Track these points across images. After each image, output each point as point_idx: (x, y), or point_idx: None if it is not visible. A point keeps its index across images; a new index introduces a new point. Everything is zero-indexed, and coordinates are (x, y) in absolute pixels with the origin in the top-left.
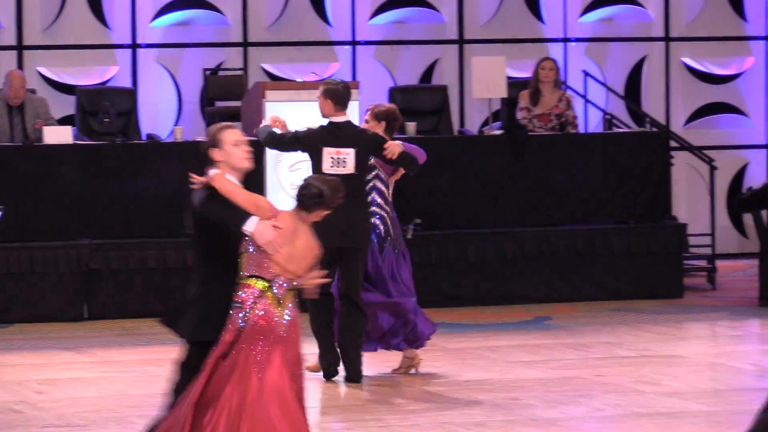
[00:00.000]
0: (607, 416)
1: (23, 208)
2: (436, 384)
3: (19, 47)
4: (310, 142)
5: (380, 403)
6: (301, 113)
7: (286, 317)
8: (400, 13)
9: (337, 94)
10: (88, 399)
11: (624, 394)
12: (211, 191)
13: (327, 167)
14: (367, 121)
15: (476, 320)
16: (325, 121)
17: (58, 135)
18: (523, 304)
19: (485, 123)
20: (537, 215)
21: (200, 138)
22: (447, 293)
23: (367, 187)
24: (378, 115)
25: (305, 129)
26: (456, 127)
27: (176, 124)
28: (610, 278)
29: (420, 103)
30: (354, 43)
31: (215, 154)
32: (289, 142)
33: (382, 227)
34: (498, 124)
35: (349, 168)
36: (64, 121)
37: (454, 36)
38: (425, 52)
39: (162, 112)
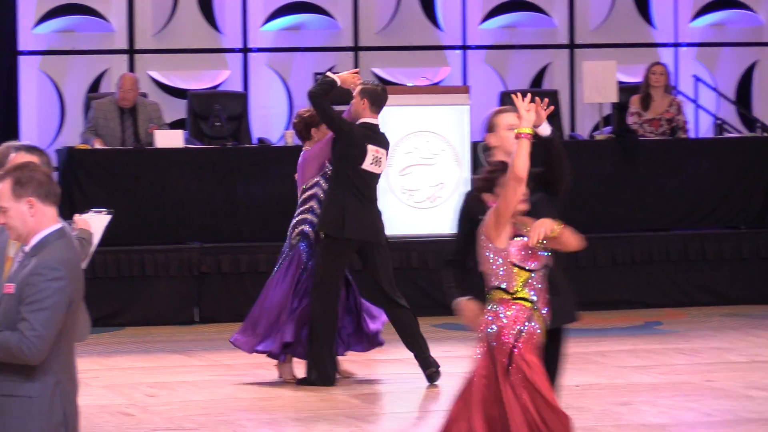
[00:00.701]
0: (717, 422)
1: (134, 211)
2: None
3: (131, 51)
4: (358, 136)
5: None
6: (411, 117)
7: (494, 322)
8: (511, 18)
9: (374, 95)
10: (199, 402)
11: (734, 399)
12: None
13: (368, 164)
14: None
15: (586, 325)
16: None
17: (169, 139)
18: (633, 308)
19: (596, 128)
20: (647, 220)
21: None
22: None
23: (310, 193)
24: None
25: (349, 124)
26: (567, 131)
27: (287, 128)
28: (720, 283)
29: None
30: (465, 47)
31: (490, 138)
32: (338, 121)
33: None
34: (608, 128)
35: (382, 168)
36: (175, 125)
37: (565, 41)
38: (536, 57)
39: (273, 116)
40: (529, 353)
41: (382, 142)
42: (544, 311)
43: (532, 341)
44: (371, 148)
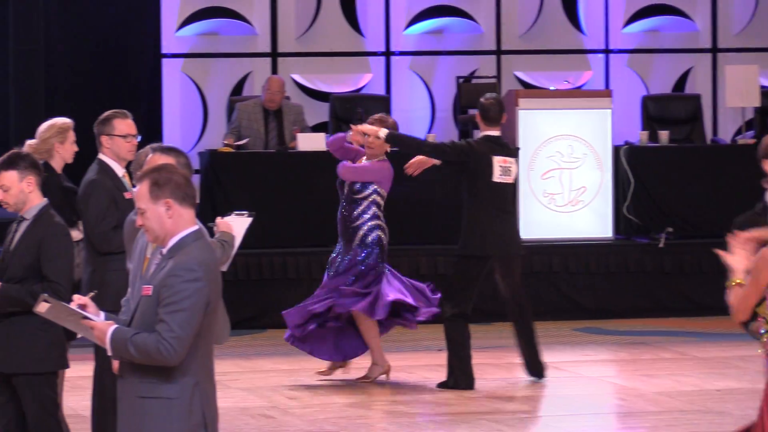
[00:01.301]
0: None
1: (276, 214)
2: (685, 393)
3: (274, 54)
4: (481, 150)
5: (630, 410)
6: (553, 121)
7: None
8: (654, 22)
9: (482, 109)
10: (339, 404)
11: None
12: None
13: (497, 176)
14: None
15: (728, 329)
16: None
17: (312, 142)
18: None
19: (738, 132)
20: None
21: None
22: (699, 302)
23: (368, 200)
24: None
25: (466, 140)
26: (709, 135)
27: (429, 131)
28: None
29: (673, 112)
30: (607, 51)
31: (766, 165)
32: (455, 150)
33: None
34: (751, 132)
35: (513, 177)
36: (317, 128)
37: (708, 45)
38: (678, 61)
39: (414, 120)
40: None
41: (508, 151)
42: None
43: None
44: (497, 160)
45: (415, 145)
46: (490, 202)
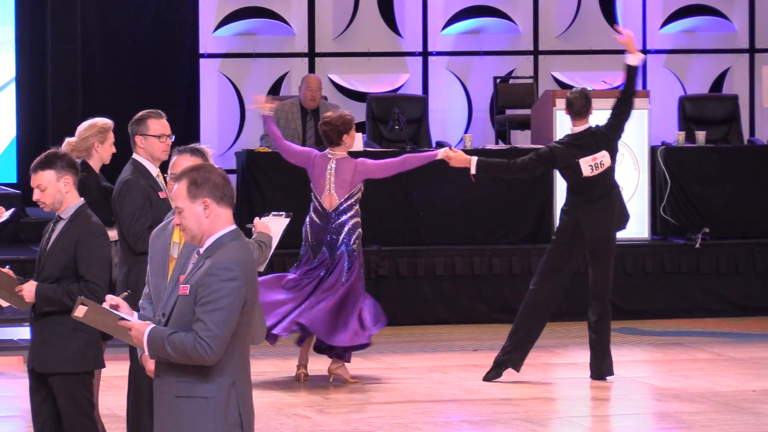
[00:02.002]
0: None
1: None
2: (721, 393)
3: (311, 54)
4: (562, 156)
5: (665, 411)
6: (590, 122)
7: None
8: (691, 22)
9: (569, 105)
10: (375, 405)
11: None
12: None
13: (588, 173)
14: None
15: (764, 330)
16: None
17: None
18: None
19: None
20: None
21: (489, 146)
22: (735, 303)
23: (358, 198)
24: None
25: (548, 147)
26: (746, 136)
27: (466, 131)
28: None
29: (710, 113)
30: (645, 51)
31: None
32: (541, 162)
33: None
34: None
35: (606, 165)
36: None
37: (745, 45)
38: (716, 61)
39: (452, 120)
40: None
41: (594, 146)
42: None
43: None
44: (584, 161)
45: (504, 168)
46: (585, 192)
